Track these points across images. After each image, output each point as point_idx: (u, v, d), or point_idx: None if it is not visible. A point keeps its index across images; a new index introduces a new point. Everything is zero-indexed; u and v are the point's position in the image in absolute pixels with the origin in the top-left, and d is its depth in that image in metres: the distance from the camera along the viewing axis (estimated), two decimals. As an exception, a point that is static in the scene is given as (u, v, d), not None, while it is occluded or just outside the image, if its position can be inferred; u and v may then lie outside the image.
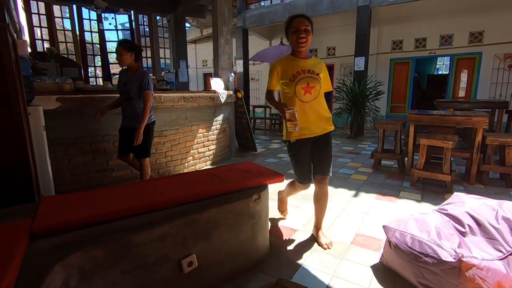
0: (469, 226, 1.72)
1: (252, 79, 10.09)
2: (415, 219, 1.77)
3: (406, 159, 3.87)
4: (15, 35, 2.43)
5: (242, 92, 5.13)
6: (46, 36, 6.87)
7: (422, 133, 3.78)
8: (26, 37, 6.70)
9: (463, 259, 1.38)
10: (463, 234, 1.70)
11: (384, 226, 1.81)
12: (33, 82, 2.62)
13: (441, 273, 1.43)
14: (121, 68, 2.84)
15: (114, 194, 1.60)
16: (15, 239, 1.11)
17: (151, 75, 7.49)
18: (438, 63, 10.44)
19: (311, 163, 2.01)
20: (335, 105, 7.88)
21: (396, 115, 7.68)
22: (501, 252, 1.56)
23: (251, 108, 8.43)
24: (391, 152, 4.04)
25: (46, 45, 6.86)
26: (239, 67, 8.91)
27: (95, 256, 1.19)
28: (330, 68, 8.86)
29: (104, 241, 1.22)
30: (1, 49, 1.61)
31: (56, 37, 6.98)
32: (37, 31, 6.74)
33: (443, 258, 1.43)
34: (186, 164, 3.94)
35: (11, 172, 1.65)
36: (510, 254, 1.53)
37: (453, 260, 1.40)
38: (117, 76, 2.89)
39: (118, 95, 2.80)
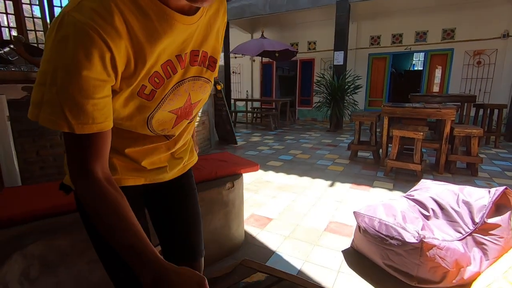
0: (432, 210, 1.81)
1: (233, 72, 10.02)
2: (384, 204, 1.84)
3: (381, 150, 4.00)
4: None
5: (222, 84, 5.09)
6: (13, 24, 6.48)
7: (396, 125, 3.92)
8: (-9, 24, 6.30)
9: (424, 240, 1.46)
10: (427, 217, 1.79)
11: (354, 212, 1.87)
12: (-5, 70, 2.48)
13: (404, 254, 1.50)
14: None
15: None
16: (-30, 230, 1.06)
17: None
18: (414, 59, 10.81)
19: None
20: (315, 98, 7.98)
21: (374, 109, 7.89)
22: (461, 233, 1.65)
23: (232, 101, 8.38)
24: (367, 144, 4.16)
25: (14, 33, 6.48)
26: (220, 59, 8.80)
27: (59, 246, 1.15)
28: (310, 63, 8.95)
29: (69, 230, 1.19)
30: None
31: (25, 24, 6.59)
32: (3, 18, 6.35)
33: (407, 240, 1.50)
34: (164, 156, 3.87)
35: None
36: (468, 235, 1.63)
37: (416, 241, 1.47)
38: None
39: None
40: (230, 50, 7.99)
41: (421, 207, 1.86)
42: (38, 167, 2.84)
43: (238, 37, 9.24)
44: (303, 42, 8.94)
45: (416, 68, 10.90)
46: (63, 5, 6.78)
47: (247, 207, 2.50)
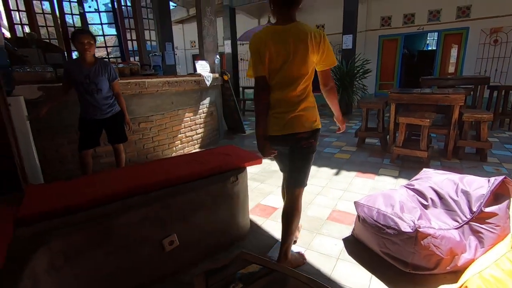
0: (431, 199, 1.85)
1: (241, 59, 9.96)
2: (383, 194, 1.90)
3: (388, 137, 3.99)
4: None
5: (228, 75, 5.12)
6: (25, 20, 6.63)
7: (405, 111, 3.87)
8: (4, 21, 6.48)
9: (419, 230, 1.51)
10: (425, 207, 1.84)
11: (355, 202, 1.94)
12: (12, 72, 2.62)
13: (400, 243, 1.57)
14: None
15: (96, 182, 1.68)
16: (1, 227, 1.20)
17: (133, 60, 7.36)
18: (428, 38, 10.39)
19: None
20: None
21: (385, 93, 7.74)
22: (458, 222, 1.70)
23: (240, 89, 8.40)
24: (374, 131, 4.15)
25: (26, 29, 6.65)
26: (227, 47, 8.77)
27: (78, 240, 1.28)
28: (320, 47, 8.76)
29: (86, 226, 1.32)
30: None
31: (36, 21, 6.73)
32: (16, 15, 6.51)
33: (402, 229, 1.56)
34: (174, 148, 4.01)
35: (-5, 164, 1.71)
36: (465, 224, 1.68)
37: (411, 231, 1.53)
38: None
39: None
40: (238, 38, 7.93)
41: (420, 196, 1.90)
42: (58, 162, 3.02)
43: (245, 23, 9.13)
44: (311, 25, 8.73)
45: (430, 48, 10.49)
46: (72, 0, 6.87)
47: (253, 196, 2.61)
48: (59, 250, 1.20)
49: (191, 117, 4.24)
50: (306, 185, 1.59)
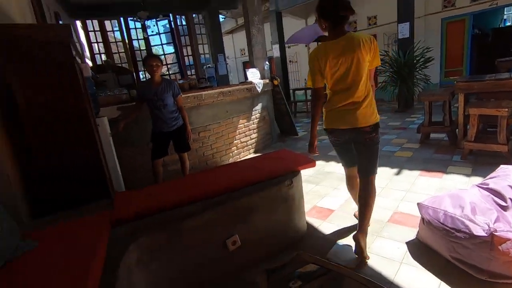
0: (511, 200, 1.66)
1: (290, 61, 9.99)
2: (450, 195, 1.76)
3: (458, 130, 3.61)
4: (79, 60, 2.91)
5: (278, 80, 5.22)
6: (102, 49, 7.77)
7: (477, 100, 3.47)
8: (87, 52, 7.66)
9: (495, 234, 1.38)
10: (504, 208, 1.65)
11: (418, 204, 1.84)
12: (97, 98, 3.12)
13: (473, 247, 1.45)
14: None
15: (168, 189, 1.92)
16: (101, 228, 1.47)
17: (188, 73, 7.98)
18: (505, 13, 9.00)
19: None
20: (379, 78, 7.44)
21: (452, 81, 6.95)
22: (546, 225, 1.49)
23: (290, 91, 8.43)
24: (440, 125, 3.79)
25: (103, 57, 7.77)
26: (275, 51, 8.89)
27: (158, 239, 1.50)
28: (372, 39, 8.31)
29: (163, 227, 1.53)
30: (73, 78, 2.01)
31: (110, 48, 7.83)
32: (95, 46, 7.67)
33: (475, 233, 1.44)
34: (231, 154, 4.25)
35: (91, 176, 2.08)
36: (556, 227, 1.47)
37: (485, 235, 1.41)
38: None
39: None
40: (285, 41, 8.00)
41: (496, 196, 1.72)
42: (134, 172, 3.47)
43: (292, 24, 9.15)
44: (362, 18, 8.35)
45: (508, 24, 9.07)
46: (137, 27, 7.79)
47: (309, 199, 2.64)
48: (145, 246, 1.43)
49: (245, 123, 4.44)
50: (376, 172, 1.80)
